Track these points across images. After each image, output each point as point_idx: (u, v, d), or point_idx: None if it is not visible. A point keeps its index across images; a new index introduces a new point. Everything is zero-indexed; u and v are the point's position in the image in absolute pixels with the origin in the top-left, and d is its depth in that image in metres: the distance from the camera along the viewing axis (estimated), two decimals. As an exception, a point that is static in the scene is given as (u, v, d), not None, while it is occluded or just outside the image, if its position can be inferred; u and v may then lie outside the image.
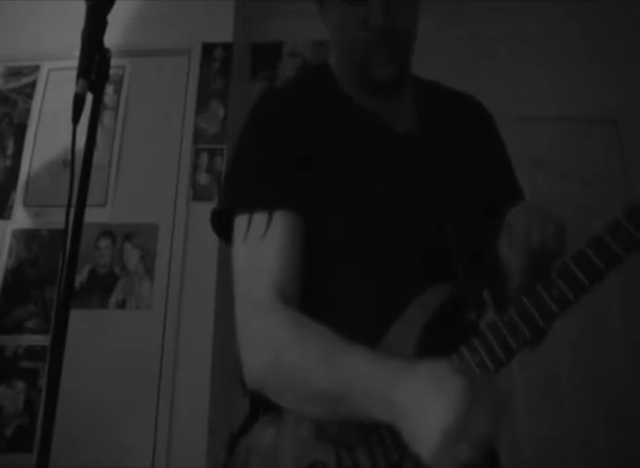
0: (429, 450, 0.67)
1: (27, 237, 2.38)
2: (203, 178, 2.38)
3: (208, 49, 2.55)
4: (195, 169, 2.40)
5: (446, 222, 0.94)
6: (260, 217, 0.91)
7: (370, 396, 0.74)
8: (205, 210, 2.30)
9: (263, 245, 0.90)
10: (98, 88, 0.84)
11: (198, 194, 2.36)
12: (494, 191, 1.02)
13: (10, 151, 2.50)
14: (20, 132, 2.53)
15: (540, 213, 0.81)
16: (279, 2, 2.70)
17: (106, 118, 2.48)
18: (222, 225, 0.98)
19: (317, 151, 0.96)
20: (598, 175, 2.61)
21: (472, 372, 0.71)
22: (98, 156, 2.32)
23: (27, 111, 2.55)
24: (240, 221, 0.93)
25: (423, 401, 0.69)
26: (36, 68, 2.59)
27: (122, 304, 2.27)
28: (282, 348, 0.83)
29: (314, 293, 0.93)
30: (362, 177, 0.95)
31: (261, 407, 0.90)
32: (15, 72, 2.60)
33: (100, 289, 2.29)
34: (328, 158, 0.96)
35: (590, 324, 2.39)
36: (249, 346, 0.87)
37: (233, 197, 0.98)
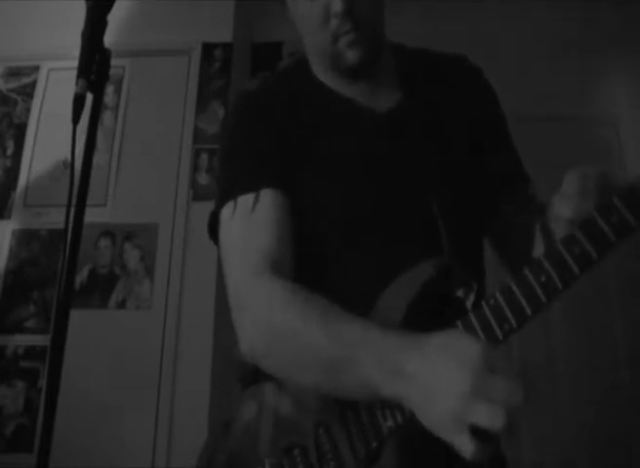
0: (441, 416, 0.65)
1: (27, 237, 2.38)
2: (203, 178, 2.38)
3: (208, 49, 2.55)
4: (195, 169, 2.40)
5: (433, 200, 0.93)
6: (245, 198, 0.92)
7: (381, 362, 0.72)
8: (205, 210, 2.29)
9: (253, 220, 0.90)
10: (98, 88, 0.84)
11: (198, 194, 2.36)
12: (485, 160, 1.01)
13: (10, 151, 2.50)
14: (20, 132, 2.53)
15: (596, 176, 0.74)
16: (279, 2, 2.70)
17: (106, 118, 2.48)
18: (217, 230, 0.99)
19: (297, 141, 0.97)
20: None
21: (485, 342, 0.68)
22: (98, 156, 2.32)
23: (27, 111, 2.55)
24: (226, 209, 0.94)
25: (436, 367, 0.67)
26: (36, 68, 2.59)
27: (122, 304, 2.27)
28: (278, 310, 0.83)
29: (310, 274, 0.92)
30: (344, 162, 0.96)
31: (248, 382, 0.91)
32: (15, 72, 2.60)
33: (100, 289, 2.29)
34: (308, 146, 0.97)
35: (590, 325, 2.39)
36: (245, 311, 0.86)
37: (220, 195, 0.98)
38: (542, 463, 2.32)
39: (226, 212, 0.94)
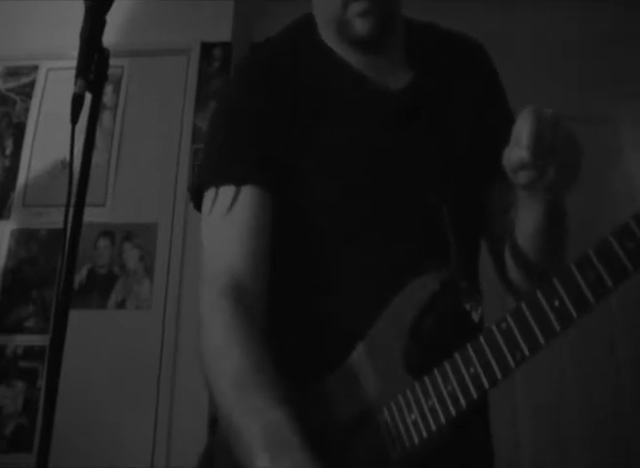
0: None
1: (27, 237, 2.37)
2: (202, 178, 2.38)
3: (207, 48, 2.55)
4: (194, 169, 2.40)
5: (436, 197, 0.90)
6: (226, 192, 0.88)
7: (250, 450, 0.72)
8: (204, 209, 2.30)
9: (227, 224, 0.87)
10: (96, 88, 0.84)
11: (197, 194, 2.36)
12: (491, 150, 0.97)
13: (9, 151, 2.50)
14: (18, 131, 2.52)
15: (550, 118, 0.72)
16: (279, 2, 2.70)
17: (105, 118, 2.48)
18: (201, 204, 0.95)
19: (299, 126, 0.92)
20: (598, 174, 2.60)
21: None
22: (96, 156, 2.31)
23: (26, 111, 2.54)
24: (207, 196, 0.91)
25: None
26: (35, 68, 2.59)
27: (121, 304, 2.26)
28: (212, 339, 0.82)
29: (310, 275, 0.91)
30: (346, 156, 0.92)
31: None
32: (13, 72, 2.60)
33: (100, 289, 2.28)
34: (310, 133, 0.92)
35: (590, 332, 2.38)
36: (199, 327, 0.86)
37: (202, 174, 0.95)
38: (542, 463, 2.32)
39: (207, 200, 0.91)
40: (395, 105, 0.94)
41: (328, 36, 0.98)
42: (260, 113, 0.93)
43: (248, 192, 0.88)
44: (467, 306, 0.83)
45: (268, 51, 1.01)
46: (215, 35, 2.56)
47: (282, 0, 2.67)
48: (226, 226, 0.88)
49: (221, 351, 0.80)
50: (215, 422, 0.92)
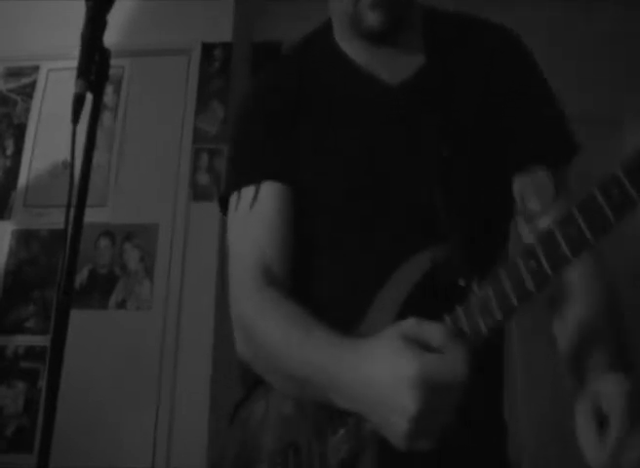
0: (395, 433, 0.68)
1: (27, 237, 2.38)
2: (203, 178, 2.38)
3: (208, 49, 2.55)
4: (195, 169, 2.40)
5: (436, 189, 0.90)
6: (247, 191, 0.93)
7: (333, 383, 0.75)
8: (205, 210, 2.31)
9: (251, 218, 0.92)
10: (97, 88, 0.84)
11: (198, 194, 2.36)
12: (507, 148, 0.95)
13: (9, 151, 2.50)
14: (19, 132, 2.53)
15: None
16: (279, 2, 2.70)
17: (106, 118, 2.48)
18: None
19: (306, 119, 0.95)
20: (598, 174, 2.60)
21: (424, 356, 0.67)
22: (97, 156, 2.32)
23: (27, 111, 2.55)
24: (232, 199, 0.96)
25: (376, 386, 0.70)
26: (36, 68, 2.59)
27: (122, 305, 2.27)
28: (260, 321, 0.85)
29: (306, 263, 0.93)
30: (352, 145, 0.93)
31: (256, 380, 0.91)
32: (14, 72, 2.60)
33: (100, 289, 2.29)
34: (317, 125, 0.95)
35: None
36: (235, 326, 0.90)
37: (227, 181, 1.02)
38: (543, 463, 2.32)
39: (232, 203, 0.96)
40: (392, 101, 0.95)
41: (340, 35, 1.00)
42: (267, 116, 0.98)
43: (267, 187, 0.93)
44: (461, 282, 0.83)
45: (280, 68, 1.05)
46: (215, 35, 2.57)
47: (282, 0, 2.68)
48: (250, 222, 0.92)
49: (267, 323, 0.84)
50: (244, 420, 0.93)
